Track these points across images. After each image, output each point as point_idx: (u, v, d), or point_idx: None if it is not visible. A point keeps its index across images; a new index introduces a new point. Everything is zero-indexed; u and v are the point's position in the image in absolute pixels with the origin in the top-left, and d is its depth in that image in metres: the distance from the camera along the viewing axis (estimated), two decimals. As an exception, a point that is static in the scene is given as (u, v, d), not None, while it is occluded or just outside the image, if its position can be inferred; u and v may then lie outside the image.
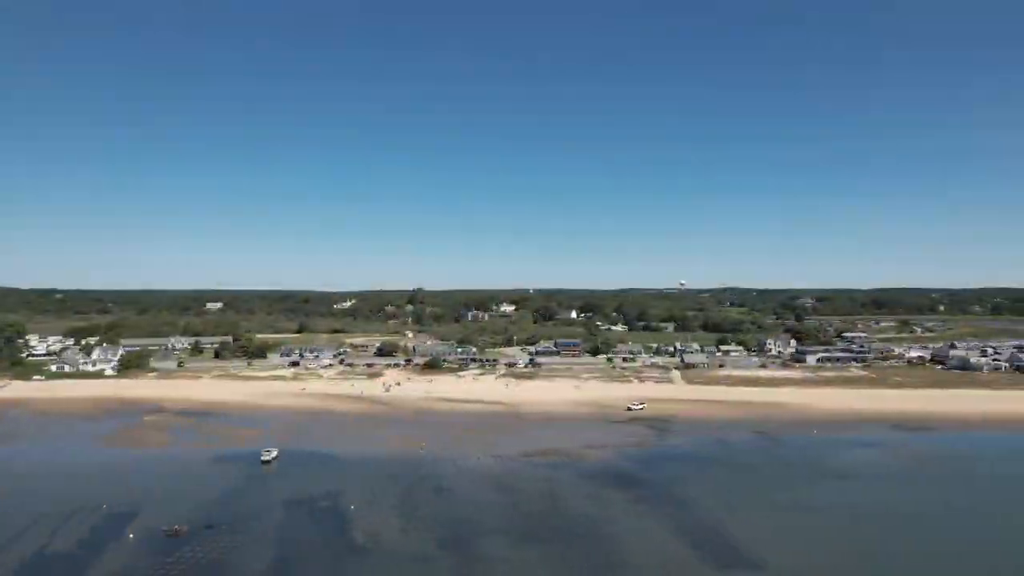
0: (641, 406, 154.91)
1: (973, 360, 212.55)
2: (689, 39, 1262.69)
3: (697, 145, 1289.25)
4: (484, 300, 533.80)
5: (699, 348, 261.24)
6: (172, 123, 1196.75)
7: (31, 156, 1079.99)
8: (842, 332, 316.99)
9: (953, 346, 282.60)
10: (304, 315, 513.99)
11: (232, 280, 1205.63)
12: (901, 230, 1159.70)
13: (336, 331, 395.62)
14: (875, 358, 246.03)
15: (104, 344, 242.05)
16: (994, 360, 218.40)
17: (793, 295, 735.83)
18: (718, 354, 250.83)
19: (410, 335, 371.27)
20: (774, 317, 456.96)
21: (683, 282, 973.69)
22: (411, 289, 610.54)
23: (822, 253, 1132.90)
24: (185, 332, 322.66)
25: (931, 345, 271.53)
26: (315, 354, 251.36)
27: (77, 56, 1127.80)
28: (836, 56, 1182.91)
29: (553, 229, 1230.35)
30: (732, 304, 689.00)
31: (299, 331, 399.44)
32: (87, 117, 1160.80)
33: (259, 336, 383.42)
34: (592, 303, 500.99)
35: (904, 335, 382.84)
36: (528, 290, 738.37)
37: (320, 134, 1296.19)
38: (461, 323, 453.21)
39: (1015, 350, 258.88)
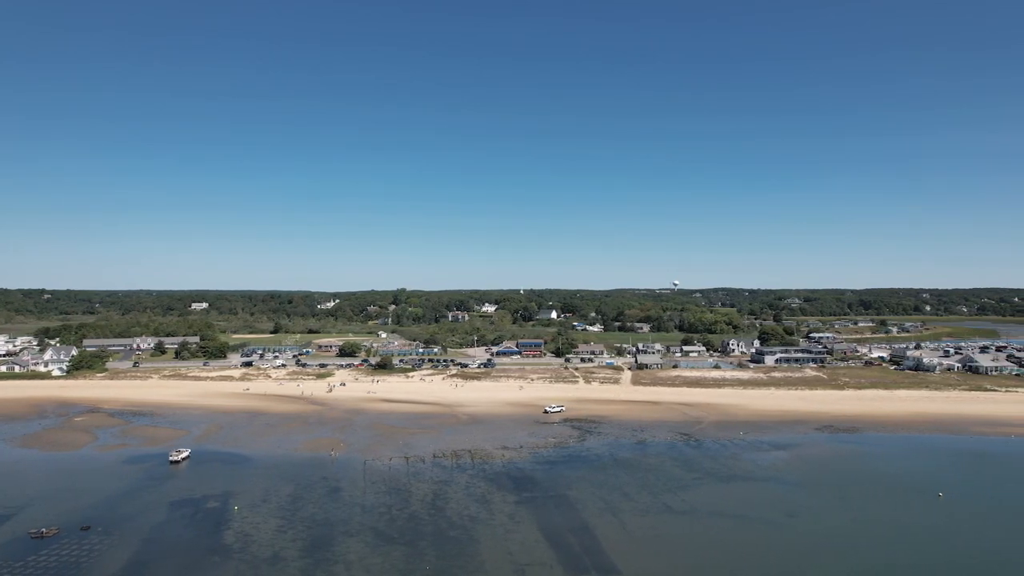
0: (559, 408, 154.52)
1: (926, 361, 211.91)
2: (682, 38, 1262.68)
3: (695, 145, 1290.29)
4: (465, 300, 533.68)
5: (661, 348, 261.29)
6: (170, 124, 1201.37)
7: (25, 157, 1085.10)
8: (810, 332, 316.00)
9: (918, 346, 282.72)
10: (286, 316, 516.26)
11: (227, 281, 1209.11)
12: (895, 231, 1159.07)
13: (311, 331, 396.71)
14: (837, 359, 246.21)
15: (59, 344, 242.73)
16: (948, 360, 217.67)
17: (780, 295, 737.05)
18: (678, 355, 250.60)
19: (383, 335, 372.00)
20: (752, 317, 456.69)
21: (676, 282, 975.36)
22: (394, 290, 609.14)
23: (818, 254, 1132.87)
24: (157, 332, 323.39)
25: (895, 345, 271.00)
26: (275, 354, 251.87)
27: (72, 56, 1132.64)
28: (839, 56, 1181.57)
29: (550, 229, 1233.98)
30: (724, 304, 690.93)
31: (274, 331, 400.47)
32: (84, 118, 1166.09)
33: (235, 336, 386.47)
34: (574, 303, 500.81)
35: (879, 335, 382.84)
36: (519, 290, 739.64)
37: (315, 137, 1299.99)
38: (441, 323, 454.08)
39: (979, 351, 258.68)
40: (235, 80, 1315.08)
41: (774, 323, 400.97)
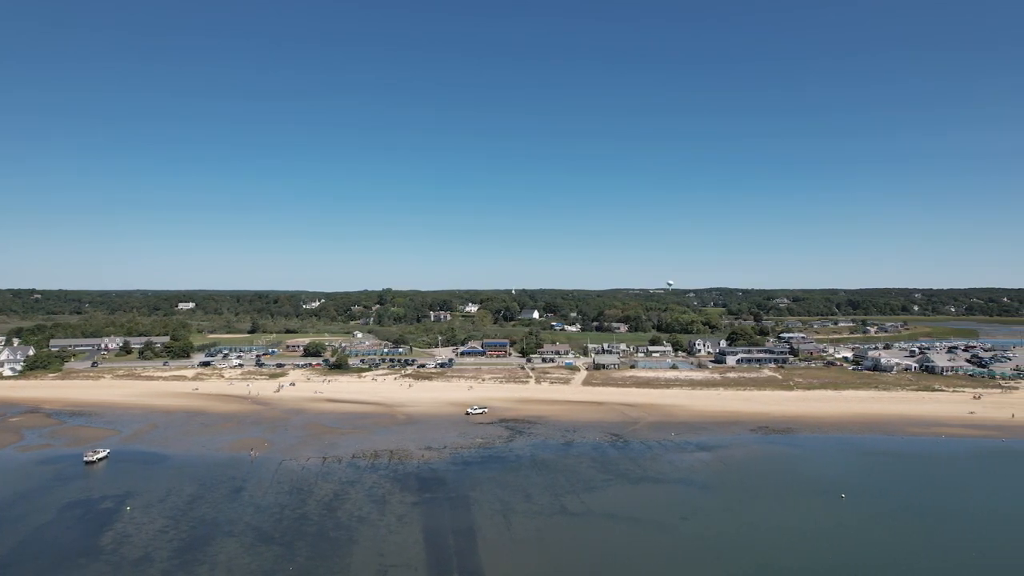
0: (482, 410, 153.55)
1: (884, 361, 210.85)
2: (674, 38, 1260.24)
3: (691, 144, 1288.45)
4: (449, 300, 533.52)
5: (627, 349, 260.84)
6: (168, 124, 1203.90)
7: (22, 157, 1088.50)
8: (781, 332, 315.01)
9: (888, 346, 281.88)
10: (270, 315, 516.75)
11: (225, 281, 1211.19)
12: (893, 231, 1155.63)
13: (289, 331, 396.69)
14: (802, 358, 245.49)
15: (17, 344, 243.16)
16: (907, 361, 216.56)
17: (770, 295, 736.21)
18: (641, 355, 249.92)
19: (359, 335, 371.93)
20: (732, 317, 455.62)
21: (671, 282, 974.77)
22: (380, 290, 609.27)
23: (815, 254, 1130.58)
24: (130, 332, 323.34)
25: (859, 346, 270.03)
26: (238, 354, 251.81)
27: (65, 56, 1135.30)
28: (838, 56, 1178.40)
29: (547, 229, 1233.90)
30: (716, 304, 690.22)
31: (252, 331, 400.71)
32: (82, 118, 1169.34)
33: (211, 336, 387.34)
34: (555, 303, 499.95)
35: (856, 335, 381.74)
36: (511, 290, 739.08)
37: (313, 137, 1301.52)
38: (423, 323, 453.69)
39: (946, 351, 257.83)
40: (235, 80, 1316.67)
41: (753, 323, 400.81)
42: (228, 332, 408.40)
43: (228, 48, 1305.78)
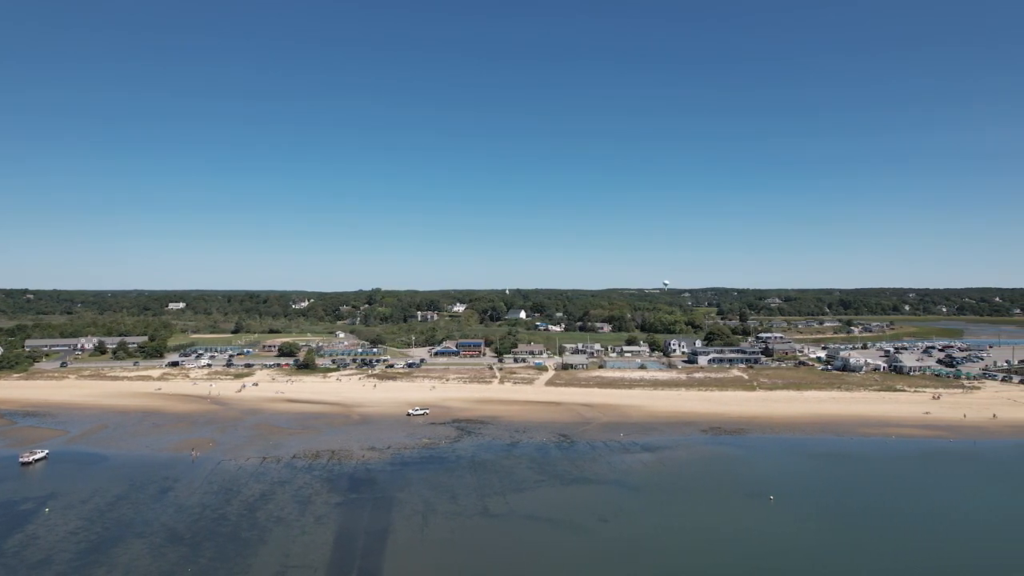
0: (424, 411, 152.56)
1: (853, 362, 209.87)
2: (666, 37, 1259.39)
3: (690, 144, 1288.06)
4: (437, 300, 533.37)
5: (600, 349, 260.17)
6: (165, 126, 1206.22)
7: (17, 156, 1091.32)
8: (760, 332, 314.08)
9: (865, 346, 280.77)
10: (258, 315, 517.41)
11: (222, 281, 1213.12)
12: (890, 231, 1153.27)
13: (273, 331, 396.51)
14: (777, 358, 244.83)
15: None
16: (877, 361, 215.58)
17: (762, 295, 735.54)
18: (613, 355, 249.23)
19: (341, 335, 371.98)
20: (719, 317, 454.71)
21: (666, 282, 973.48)
22: (369, 290, 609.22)
23: (812, 254, 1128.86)
24: (110, 332, 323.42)
25: (831, 346, 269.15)
26: (211, 354, 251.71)
27: (66, 56, 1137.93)
28: (837, 56, 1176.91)
29: (545, 229, 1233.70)
30: (710, 304, 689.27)
31: (235, 331, 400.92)
32: (81, 118, 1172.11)
33: (194, 336, 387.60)
34: (542, 303, 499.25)
35: (840, 335, 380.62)
36: (505, 290, 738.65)
37: (311, 137, 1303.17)
38: (410, 323, 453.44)
39: (922, 351, 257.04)
40: (237, 79, 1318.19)
41: (738, 322, 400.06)
42: (212, 332, 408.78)
43: (227, 48, 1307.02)
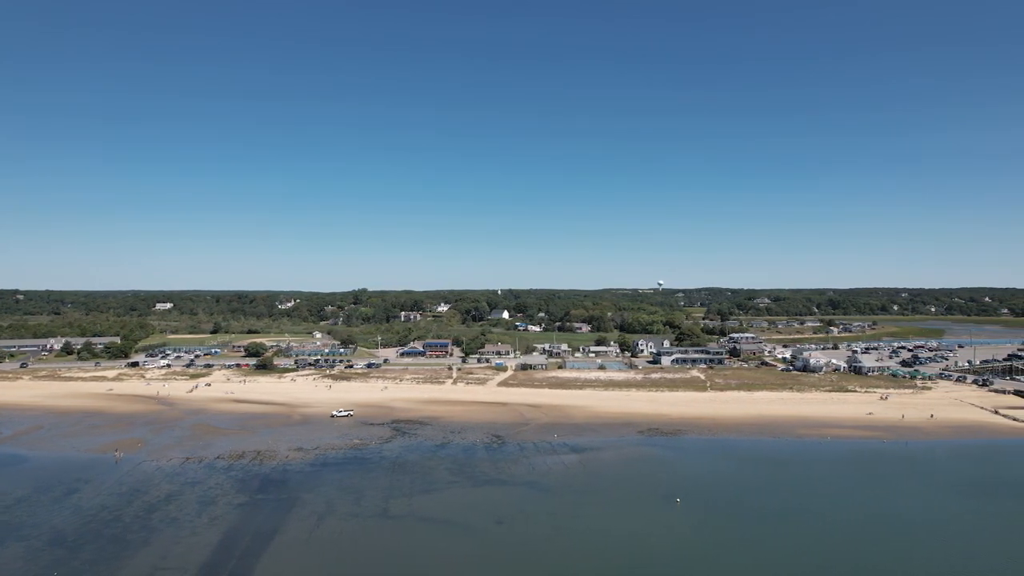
0: (347, 413, 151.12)
1: (813, 362, 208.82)
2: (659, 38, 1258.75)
3: (688, 145, 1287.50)
4: (420, 300, 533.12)
5: (566, 349, 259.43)
6: (166, 126, 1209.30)
7: (13, 157, 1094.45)
8: (732, 332, 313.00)
9: (835, 347, 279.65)
10: (243, 315, 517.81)
11: (220, 281, 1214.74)
12: (887, 231, 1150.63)
13: (252, 332, 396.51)
14: (744, 358, 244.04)
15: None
16: (838, 361, 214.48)
17: (751, 295, 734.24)
18: (577, 355, 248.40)
19: (318, 336, 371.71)
20: (699, 316, 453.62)
21: (661, 282, 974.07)
22: (355, 290, 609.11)
23: (808, 254, 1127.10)
24: (84, 333, 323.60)
25: (796, 346, 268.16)
26: (177, 355, 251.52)
27: (63, 57, 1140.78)
28: (843, 57, 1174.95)
29: (542, 230, 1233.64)
30: (703, 304, 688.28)
31: (214, 331, 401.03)
32: (83, 118, 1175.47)
33: (172, 336, 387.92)
34: (525, 303, 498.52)
35: (819, 336, 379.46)
36: (497, 291, 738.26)
37: (308, 137, 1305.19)
38: (391, 323, 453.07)
39: (891, 351, 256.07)
40: (240, 79, 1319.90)
41: (719, 322, 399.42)
42: (192, 333, 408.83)
43: (222, 48, 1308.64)
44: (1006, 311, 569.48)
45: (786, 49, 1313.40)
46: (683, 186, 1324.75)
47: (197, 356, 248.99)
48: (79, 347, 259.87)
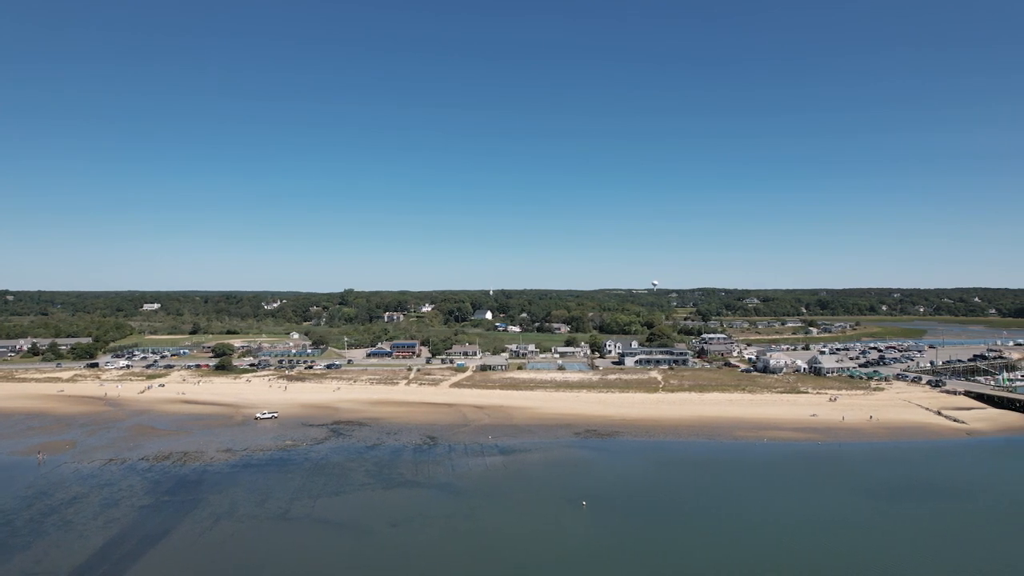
0: (271, 415, 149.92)
1: (773, 363, 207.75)
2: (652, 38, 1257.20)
3: (687, 144, 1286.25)
4: (405, 301, 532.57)
5: (533, 349, 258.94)
6: (161, 127, 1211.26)
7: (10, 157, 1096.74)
8: (702, 333, 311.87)
9: (807, 347, 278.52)
10: (227, 316, 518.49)
11: (217, 282, 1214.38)
12: (885, 231, 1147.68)
13: (231, 332, 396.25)
14: (711, 359, 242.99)
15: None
16: (800, 362, 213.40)
17: (742, 295, 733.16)
18: (541, 355, 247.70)
19: (295, 336, 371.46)
20: (684, 317, 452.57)
21: (655, 282, 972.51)
22: (341, 291, 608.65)
23: (804, 254, 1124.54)
24: (58, 334, 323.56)
25: (759, 348, 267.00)
26: (142, 355, 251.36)
27: (62, 58, 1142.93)
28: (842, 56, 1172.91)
29: (539, 230, 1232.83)
30: (696, 304, 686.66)
31: (193, 332, 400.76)
32: (77, 119, 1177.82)
33: (150, 337, 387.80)
34: (507, 304, 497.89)
35: (797, 336, 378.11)
36: (489, 291, 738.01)
37: (306, 137, 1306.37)
38: (375, 323, 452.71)
39: (860, 352, 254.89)
40: (243, 79, 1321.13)
41: (700, 322, 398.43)
42: (172, 333, 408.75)
43: (214, 48, 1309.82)
44: (993, 311, 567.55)
45: (785, 50, 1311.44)
46: (682, 186, 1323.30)
47: (163, 357, 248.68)
48: (44, 348, 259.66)
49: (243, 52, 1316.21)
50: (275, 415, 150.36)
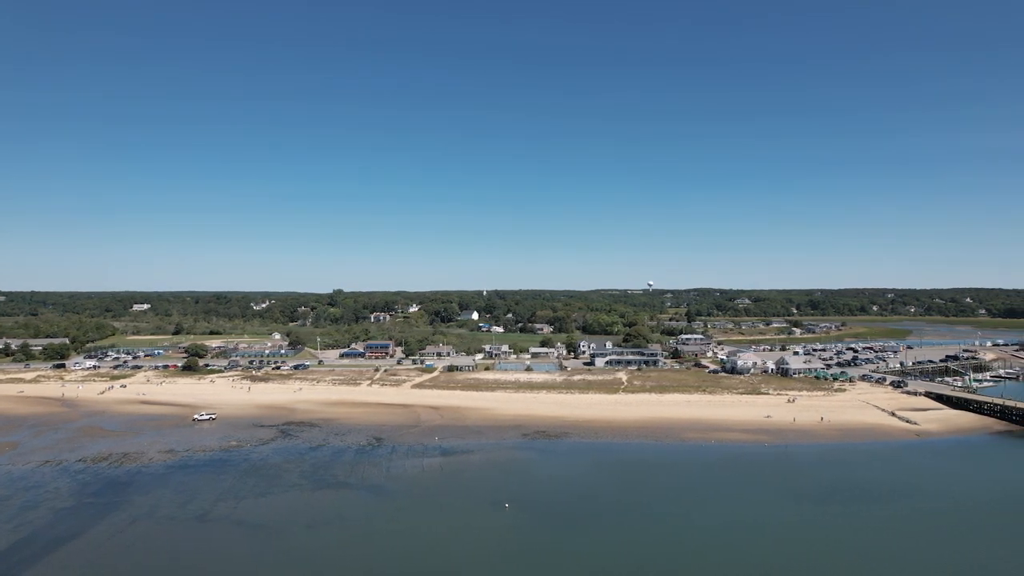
0: (209, 416, 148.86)
1: (740, 364, 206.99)
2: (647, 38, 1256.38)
3: (686, 144, 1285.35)
4: (391, 301, 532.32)
5: (507, 350, 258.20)
6: (159, 127, 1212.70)
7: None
8: (682, 333, 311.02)
9: (784, 348, 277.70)
10: (216, 316, 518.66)
11: (214, 282, 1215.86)
12: (881, 232, 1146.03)
13: (213, 333, 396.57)
14: (685, 360, 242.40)
15: None
16: (770, 363, 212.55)
17: (734, 295, 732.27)
18: (522, 355, 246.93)
19: (276, 336, 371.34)
20: (670, 318, 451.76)
21: (651, 283, 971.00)
22: (331, 292, 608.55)
23: (801, 254, 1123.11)
24: (38, 334, 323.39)
25: (729, 349, 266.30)
26: (115, 356, 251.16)
27: (64, 59, 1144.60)
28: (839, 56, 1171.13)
29: (536, 230, 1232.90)
30: (690, 304, 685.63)
31: (176, 332, 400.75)
32: (76, 120, 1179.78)
33: (132, 337, 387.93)
34: (493, 304, 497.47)
35: (780, 336, 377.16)
36: (482, 292, 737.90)
37: (306, 137, 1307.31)
38: (360, 324, 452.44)
39: (835, 353, 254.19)
40: (245, 79, 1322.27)
41: (685, 323, 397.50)
42: (155, 334, 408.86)
43: (205, 50, 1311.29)
44: (984, 312, 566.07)
45: (777, 52, 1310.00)
46: (683, 186, 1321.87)
47: (136, 357, 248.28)
48: (16, 349, 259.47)
49: (230, 53, 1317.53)
50: (213, 416, 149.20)
